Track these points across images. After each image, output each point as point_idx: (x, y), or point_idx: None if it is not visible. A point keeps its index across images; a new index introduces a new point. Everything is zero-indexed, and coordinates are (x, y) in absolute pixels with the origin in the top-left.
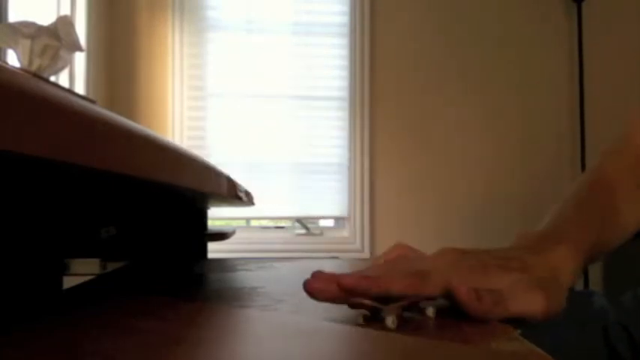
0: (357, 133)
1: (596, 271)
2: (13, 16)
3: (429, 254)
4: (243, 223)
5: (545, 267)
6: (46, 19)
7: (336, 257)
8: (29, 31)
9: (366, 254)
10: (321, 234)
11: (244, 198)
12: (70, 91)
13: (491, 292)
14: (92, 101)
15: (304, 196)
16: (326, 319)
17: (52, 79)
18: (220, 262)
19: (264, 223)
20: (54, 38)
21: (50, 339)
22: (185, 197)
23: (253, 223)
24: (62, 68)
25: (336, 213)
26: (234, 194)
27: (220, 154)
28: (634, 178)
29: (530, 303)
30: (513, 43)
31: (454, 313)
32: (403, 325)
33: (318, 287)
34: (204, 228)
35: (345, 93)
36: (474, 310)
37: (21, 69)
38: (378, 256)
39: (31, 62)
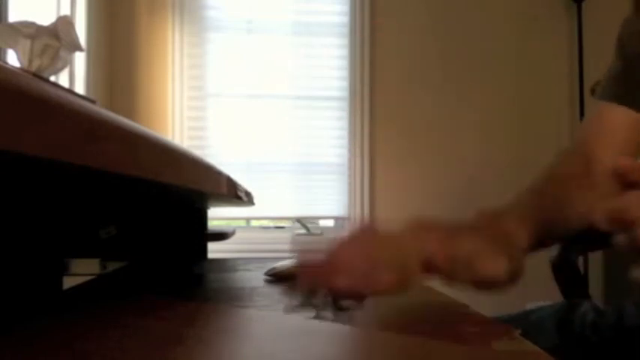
0: (357, 133)
1: (597, 280)
2: (13, 16)
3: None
4: (243, 223)
5: (499, 233)
6: (46, 19)
7: None
8: (29, 31)
9: None
10: (321, 234)
11: (244, 198)
12: (70, 91)
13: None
14: (92, 101)
15: (304, 196)
16: (325, 320)
17: (52, 79)
18: (220, 262)
19: (264, 223)
20: (54, 38)
21: (50, 339)
22: (185, 197)
23: (253, 223)
24: (62, 68)
25: (336, 213)
26: (234, 194)
27: (220, 154)
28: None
29: (496, 266)
30: (513, 42)
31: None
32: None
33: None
34: (204, 228)
35: (345, 93)
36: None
37: (21, 69)
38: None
39: (31, 62)
